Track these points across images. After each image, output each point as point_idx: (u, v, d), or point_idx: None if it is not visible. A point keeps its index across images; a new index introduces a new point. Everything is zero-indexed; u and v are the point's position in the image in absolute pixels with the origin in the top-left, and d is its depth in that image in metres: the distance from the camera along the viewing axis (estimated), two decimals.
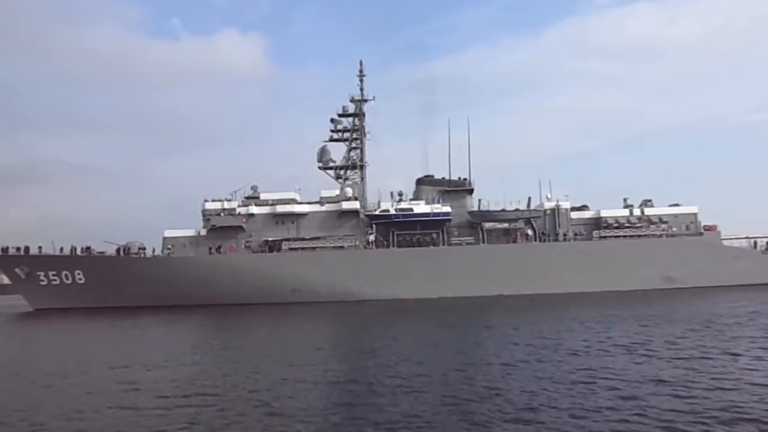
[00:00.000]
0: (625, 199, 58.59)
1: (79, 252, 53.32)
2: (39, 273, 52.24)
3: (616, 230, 55.54)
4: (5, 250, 53.29)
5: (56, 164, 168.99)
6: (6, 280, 64.05)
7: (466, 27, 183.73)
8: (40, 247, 53.51)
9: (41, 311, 51.22)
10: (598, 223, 56.59)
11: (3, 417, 13.04)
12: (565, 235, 56.08)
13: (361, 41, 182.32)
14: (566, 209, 57.24)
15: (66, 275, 52.09)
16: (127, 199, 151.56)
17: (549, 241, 55.74)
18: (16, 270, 52.57)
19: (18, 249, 53.18)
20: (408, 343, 23.80)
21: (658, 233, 55.14)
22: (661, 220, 56.08)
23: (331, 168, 60.95)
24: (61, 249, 53.21)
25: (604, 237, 55.24)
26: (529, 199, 57.26)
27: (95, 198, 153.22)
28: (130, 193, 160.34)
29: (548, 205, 57.31)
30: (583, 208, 58.51)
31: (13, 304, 58.62)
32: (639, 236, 54.96)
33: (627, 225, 55.89)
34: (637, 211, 56.76)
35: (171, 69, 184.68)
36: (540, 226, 56.73)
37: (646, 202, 57.74)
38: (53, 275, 52.13)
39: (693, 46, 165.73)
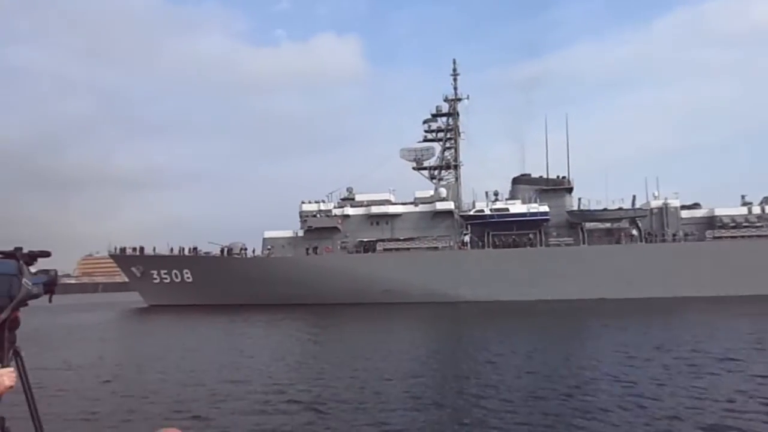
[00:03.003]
0: (743, 197, 54.17)
1: (186, 252, 56.49)
2: (152, 272, 55.87)
3: (732, 230, 51.38)
4: (123, 250, 57.50)
5: (170, 169, 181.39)
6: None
7: (570, 22, 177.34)
8: (154, 248, 57.36)
9: (155, 307, 54.70)
10: (711, 222, 52.60)
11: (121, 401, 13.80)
12: (674, 235, 52.58)
13: (460, 41, 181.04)
14: (675, 208, 53.73)
15: (176, 274, 55.35)
16: (232, 200, 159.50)
17: (656, 241, 52.49)
18: (132, 269, 56.57)
19: (134, 249, 57.23)
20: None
21: None
22: None
23: (425, 168, 60.81)
24: (171, 249, 56.66)
25: (719, 237, 51.22)
26: (634, 197, 54.32)
27: (204, 200, 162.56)
28: (235, 195, 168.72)
29: (655, 203, 54.05)
30: (695, 206, 54.69)
31: (131, 300, 63.07)
32: (759, 236, 50.50)
33: (745, 224, 51.55)
34: (756, 209, 52.23)
35: (272, 75, 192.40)
36: (646, 225, 53.54)
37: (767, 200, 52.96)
38: (164, 274, 55.58)
39: None
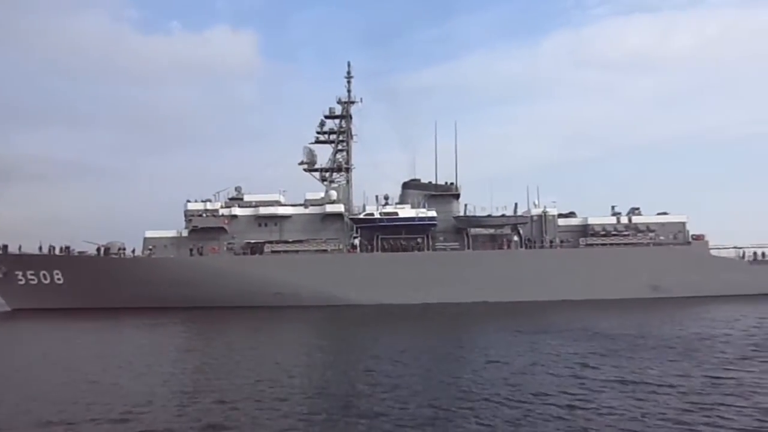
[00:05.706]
0: (612, 207, 58.00)
1: (57, 251, 52.54)
2: (17, 272, 51.41)
3: (602, 238, 54.94)
4: None
5: (44, 161, 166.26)
6: None
7: (463, 35, 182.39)
8: (19, 246, 52.77)
9: (19, 311, 50.48)
10: (585, 230, 56.05)
11: None
12: (551, 241, 55.51)
13: (357, 45, 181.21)
14: (553, 216, 56.70)
15: (44, 275, 51.27)
16: (112, 197, 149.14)
17: (535, 247, 55.19)
18: None
19: None
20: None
21: (645, 241, 54.62)
22: (648, 228, 55.49)
23: (316, 170, 60.33)
24: (40, 248, 52.47)
25: (591, 244, 54.63)
26: (516, 205, 56.76)
27: (81, 196, 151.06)
28: (116, 191, 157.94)
29: (535, 211, 56.78)
30: (571, 215, 57.94)
31: None
32: (626, 244, 54.44)
33: (614, 233, 55.29)
34: (624, 219, 56.15)
35: (162, 65, 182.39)
36: (526, 232, 56.13)
37: (634, 210, 57.09)
38: (31, 275, 51.32)
39: (688, 58, 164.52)
